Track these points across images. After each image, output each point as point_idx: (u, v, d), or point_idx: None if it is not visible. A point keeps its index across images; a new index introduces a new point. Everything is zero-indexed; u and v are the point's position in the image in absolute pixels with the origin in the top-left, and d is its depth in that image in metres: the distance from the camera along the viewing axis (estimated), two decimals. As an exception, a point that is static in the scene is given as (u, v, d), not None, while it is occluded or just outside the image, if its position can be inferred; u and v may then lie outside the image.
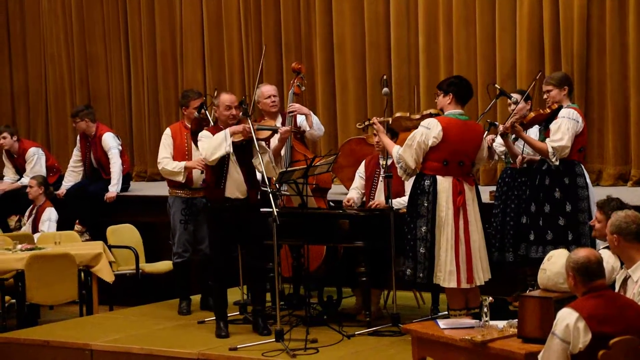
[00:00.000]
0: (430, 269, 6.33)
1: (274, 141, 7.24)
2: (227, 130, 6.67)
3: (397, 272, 6.74)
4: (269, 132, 6.94)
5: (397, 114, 6.87)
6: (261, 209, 7.01)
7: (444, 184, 6.36)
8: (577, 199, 6.73)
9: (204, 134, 6.80)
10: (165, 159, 7.61)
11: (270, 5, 10.08)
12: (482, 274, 6.43)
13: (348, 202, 7.34)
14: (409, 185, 7.08)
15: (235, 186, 6.76)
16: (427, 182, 6.37)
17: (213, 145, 6.65)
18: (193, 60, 10.58)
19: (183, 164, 7.48)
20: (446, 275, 6.32)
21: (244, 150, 6.78)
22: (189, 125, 7.56)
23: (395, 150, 6.48)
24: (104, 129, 9.54)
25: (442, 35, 9.19)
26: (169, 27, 10.73)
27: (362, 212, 7.10)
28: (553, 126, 6.73)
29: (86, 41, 11.24)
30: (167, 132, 7.76)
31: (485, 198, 7.41)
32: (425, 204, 6.34)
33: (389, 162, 7.01)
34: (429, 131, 6.33)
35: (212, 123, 7.11)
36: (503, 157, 7.41)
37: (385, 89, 6.98)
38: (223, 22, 10.40)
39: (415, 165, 6.40)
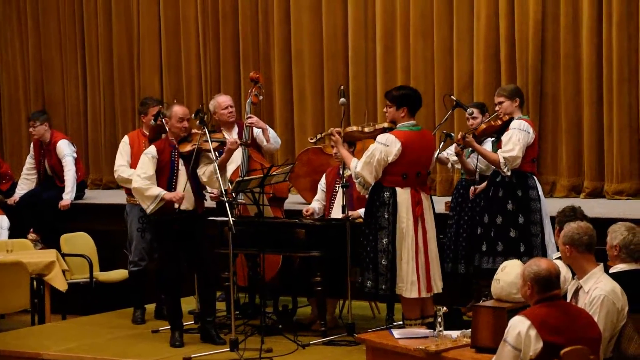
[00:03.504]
0: (393, 280, 6.36)
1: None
2: (162, 195, 6.66)
3: (354, 283, 6.76)
4: (217, 144, 6.94)
5: (349, 128, 6.87)
6: (217, 218, 7.00)
7: (403, 195, 6.39)
8: (529, 211, 6.81)
9: (149, 152, 6.77)
10: (122, 167, 7.55)
11: (229, 14, 10.07)
12: (438, 282, 6.49)
13: (307, 212, 7.36)
14: None
15: (185, 197, 6.75)
16: (386, 195, 6.39)
17: (142, 192, 6.70)
18: (150, 68, 10.52)
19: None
20: (408, 285, 6.36)
21: (191, 161, 6.78)
22: (147, 133, 7.53)
23: (354, 165, 6.48)
24: (59, 136, 9.44)
25: (400, 46, 9.25)
26: (126, 34, 10.66)
27: (319, 221, 7.11)
28: (504, 137, 6.82)
29: (41, 47, 11.11)
30: (125, 140, 7.72)
31: (441, 208, 7.47)
32: (386, 216, 6.36)
33: (348, 172, 7.03)
34: (388, 148, 6.35)
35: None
36: (458, 166, 7.47)
37: (342, 99, 7.01)
38: (181, 30, 10.36)
39: (374, 181, 6.43)
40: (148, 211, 6.74)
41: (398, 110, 6.47)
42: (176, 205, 6.70)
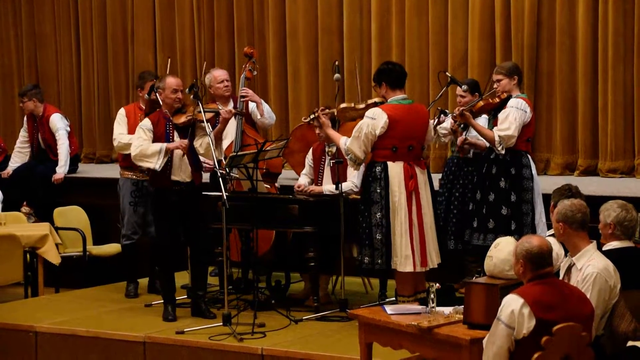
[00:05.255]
0: (388, 254, 6.37)
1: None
2: (164, 146, 6.65)
3: (346, 258, 6.77)
4: (211, 115, 6.94)
5: (342, 105, 6.87)
6: (211, 193, 7.00)
7: (395, 169, 6.39)
8: (521, 189, 6.81)
9: (144, 125, 6.78)
10: (121, 135, 7.56)
11: (223, -11, 10.02)
12: (434, 257, 6.50)
13: (299, 187, 7.37)
14: (350, 170, 7.07)
15: (181, 169, 6.78)
16: (378, 169, 6.39)
17: (145, 153, 6.66)
18: (144, 42, 10.47)
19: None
20: (402, 259, 6.37)
21: (187, 132, 6.77)
22: (144, 107, 7.52)
23: (343, 142, 6.49)
24: (52, 110, 9.43)
25: (395, 22, 9.21)
26: (120, 8, 10.60)
27: (312, 197, 7.11)
28: (501, 115, 6.80)
29: (35, 21, 11.06)
30: (122, 112, 7.73)
31: (435, 185, 7.46)
32: (378, 190, 6.37)
33: (333, 148, 7.02)
34: (375, 121, 6.34)
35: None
36: (444, 140, 7.44)
37: (337, 75, 7.00)
38: (175, 4, 10.31)
39: (364, 155, 6.42)
40: (158, 167, 6.65)
41: (380, 87, 6.48)
42: (182, 153, 6.67)
